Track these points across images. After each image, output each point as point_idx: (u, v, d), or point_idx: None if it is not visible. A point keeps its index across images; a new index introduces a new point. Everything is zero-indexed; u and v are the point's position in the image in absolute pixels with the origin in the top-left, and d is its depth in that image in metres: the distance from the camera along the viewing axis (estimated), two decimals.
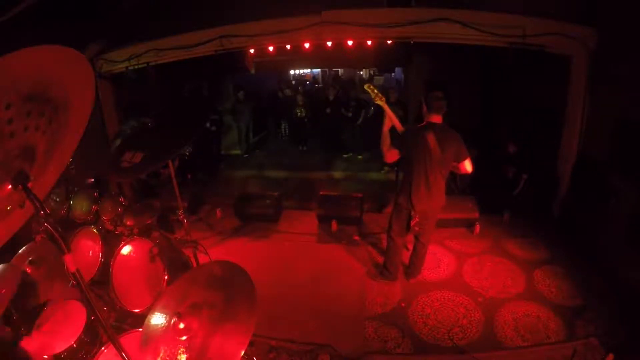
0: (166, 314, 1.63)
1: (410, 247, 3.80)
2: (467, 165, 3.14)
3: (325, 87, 10.31)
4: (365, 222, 4.90)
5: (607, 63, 4.05)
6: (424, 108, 3.15)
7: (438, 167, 3.11)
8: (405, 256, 3.84)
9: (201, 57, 5.56)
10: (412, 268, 3.74)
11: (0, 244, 1.18)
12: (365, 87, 3.50)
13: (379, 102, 3.36)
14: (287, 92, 9.26)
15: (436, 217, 3.47)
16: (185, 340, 1.50)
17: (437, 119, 3.12)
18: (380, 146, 3.29)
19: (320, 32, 4.93)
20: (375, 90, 3.40)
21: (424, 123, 3.17)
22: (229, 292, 1.63)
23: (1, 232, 1.19)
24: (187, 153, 4.60)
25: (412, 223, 3.33)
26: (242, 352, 1.39)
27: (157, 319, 1.63)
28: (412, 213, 3.29)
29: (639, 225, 3.43)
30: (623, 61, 3.77)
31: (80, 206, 3.76)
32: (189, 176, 6.44)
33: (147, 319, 1.66)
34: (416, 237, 3.57)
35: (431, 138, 3.05)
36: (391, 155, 3.23)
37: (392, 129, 3.33)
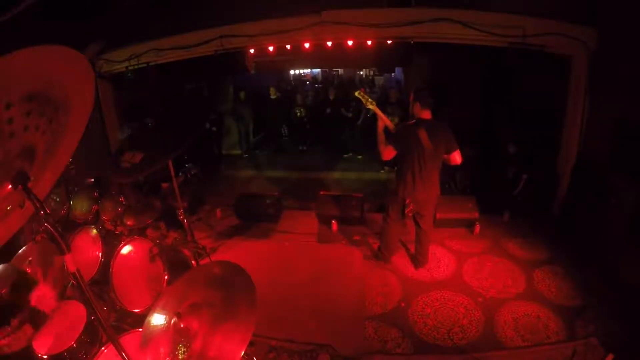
0: (166, 314, 1.63)
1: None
2: (457, 157, 3.37)
3: (326, 87, 10.30)
4: (366, 221, 4.90)
5: (607, 63, 4.05)
6: (417, 106, 3.38)
7: (430, 160, 3.34)
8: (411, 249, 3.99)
9: (201, 57, 5.56)
10: (419, 256, 3.86)
11: (0, 244, 1.18)
12: (356, 94, 3.73)
13: (370, 106, 3.60)
14: (272, 92, 8.69)
15: (434, 205, 3.67)
16: (185, 340, 1.50)
17: (427, 115, 3.36)
18: (377, 145, 3.57)
19: (320, 32, 4.93)
20: (366, 96, 3.64)
21: (414, 120, 3.39)
22: (228, 291, 1.63)
23: (1, 232, 1.19)
24: (192, 172, 4.59)
25: (407, 210, 3.63)
26: (242, 352, 1.39)
27: (157, 319, 1.63)
28: (407, 202, 3.57)
29: (639, 225, 3.43)
30: (623, 61, 3.77)
31: (80, 206, 3.76)
32: (190, 175, 6.43)
33: (147, 319, 1.65)
34: (417, 224, 3.70)
35: (422, 133, 3.28)
36: (387, 152, 3.48)
37: (386, 129, 3.58)
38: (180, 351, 1.47)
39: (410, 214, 3.62)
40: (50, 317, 2.21)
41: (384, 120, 3.54)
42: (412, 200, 3.53)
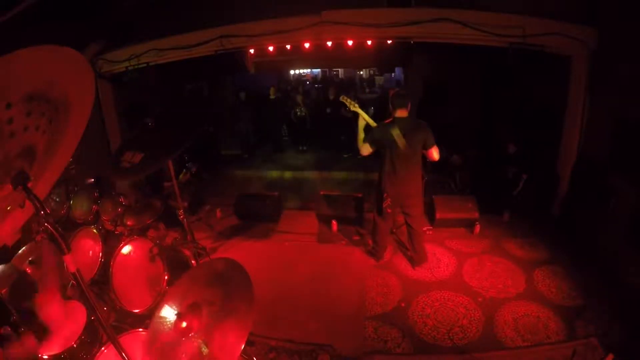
0: (172, 313, 1.62)
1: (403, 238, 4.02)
2: (434, 153, 3.47)
3: (326, 87, 10.31)
4: (366, 221, 4.90)
5: (607, 63, 4.05)
6: (390, 107, 3.54)
7: (405, 157, 3.45)
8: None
9: (201, 57, 5.56)
10: (414, 255, 3.90)
11: (0, 243, 1.19)
12: (341, 98, 4.07)
13: (353, 109, 3.84)
14: (271, 92, 8.69)
15: (419, 202, 3.73)
16: (191, 338, 1.49)
17: (402, 113, 3.48)
18: (356, 142, 3.73)
19: (320, 32, 4.93)
20: (349, 100, 3.91)
21: (391, 119, 3.52)
22: (227, 288, 1.62)
23: (1, 232, 1.19)
24: (193, 170, 4.60)
25: (384, 205, 3.67)
26: (242, 347, 1.39)
27: (165, 320, 1.62)
28: (384, 196, 3.64)
29: (639, 225, 3.43)
30: (623, 61, 3.77)
31: (80, 206, 3.76)
32: (192, 172, 6.40)
33: (152, 321, 1.65)
34: (407, 224, 3.79)
35: (396, 132, 3.39)
36: (364, 149, 3.62)
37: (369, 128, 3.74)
38: (202, 348, 1.46)
39: (388, 210, 3.70)
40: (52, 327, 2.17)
41: (366, 120, 3.74)
42: (388, 195, 3.61)
